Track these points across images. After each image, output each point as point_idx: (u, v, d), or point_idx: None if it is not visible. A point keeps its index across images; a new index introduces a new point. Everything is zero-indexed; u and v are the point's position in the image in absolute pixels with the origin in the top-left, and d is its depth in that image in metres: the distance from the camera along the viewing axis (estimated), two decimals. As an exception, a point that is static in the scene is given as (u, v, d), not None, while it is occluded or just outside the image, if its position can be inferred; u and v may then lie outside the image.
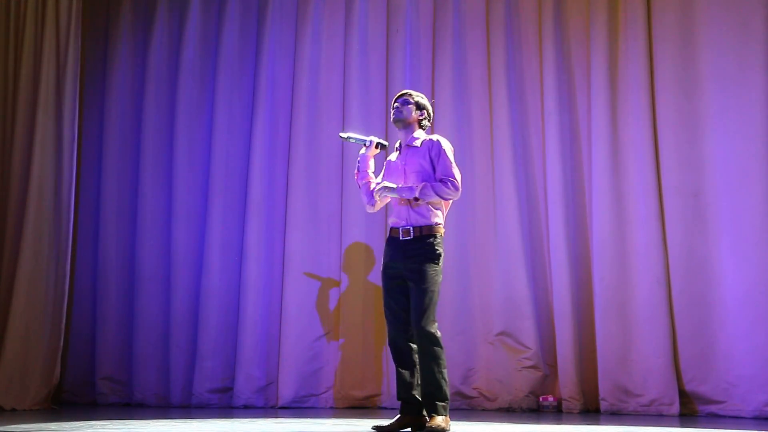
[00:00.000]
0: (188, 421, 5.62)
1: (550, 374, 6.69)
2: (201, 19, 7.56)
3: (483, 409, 6.54)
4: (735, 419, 5.94)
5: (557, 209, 6.69)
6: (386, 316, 4.82)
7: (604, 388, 6.41)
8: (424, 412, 4.70)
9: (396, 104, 4.95)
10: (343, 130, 7.14)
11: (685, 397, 6.29)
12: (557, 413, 6.47)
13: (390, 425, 4.73)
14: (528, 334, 6.69)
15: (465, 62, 7.12)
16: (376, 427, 4.71)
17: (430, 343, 4.61)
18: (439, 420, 4.55)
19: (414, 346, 4.74)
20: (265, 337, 7.10)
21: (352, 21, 7.31)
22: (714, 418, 6.03)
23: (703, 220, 6.37)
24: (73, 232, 7.09)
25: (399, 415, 4.76)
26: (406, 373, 4.74)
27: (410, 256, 4.71)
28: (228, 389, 7.08)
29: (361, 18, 7.31)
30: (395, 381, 4.81)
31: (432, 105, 5.11)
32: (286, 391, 6.92)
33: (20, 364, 6.66)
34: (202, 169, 7.40)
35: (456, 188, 4.73)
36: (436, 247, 4.73)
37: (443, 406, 4.59)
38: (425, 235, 4.73)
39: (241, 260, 7.19)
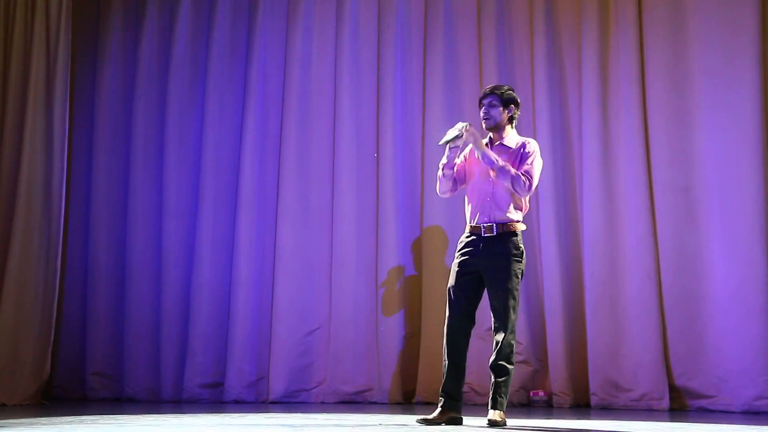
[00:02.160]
0: (179, 416, 5.61)
1: (541, 369, 6.70)
2: (192, 13, 7.54)
3: (474, 404, 6.55)
4: (724, 414, 5.96)
5: (548, 204, 6.70)
6: (451, 310, 4.80)
7: (595, 383, 6.43)
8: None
9: (483, 108, 4.89)
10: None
11: (675, 391, 6.31)
12: (548, 408, 6.49)
13: (434, 418, 4.73)
14: (519, 329, 6.61)
15: (456, 57, 7.12)
16: (421, 420, 4.73)
17: (508, 355, 4.69)
18: (502, 414, 4.67)
19: (468, 343, 4.82)
20: (256, 332, 7.10)
21: (343, 16, 7.31)
22: (704, 413, 6.05)
23: (694, 214, 6.39)
24: (63, 227, 7.07)
25: (440, 409, 4.76)
26: (457, 370, 4.78)
27: (494, 253, 4.74)
28: (219, 384, 7.07)
29: (352, 13, 7.30)
30: (445, 374, 4.78)
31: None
32: (276, 386, 6.93)
33: (10, 359, 6.64)
34: (193, 164, 7.39)
35: (528, 187, 4.75)
36: (520, 245, 4.78)
37: (506, 401, 4.72)
38: (508, 232, 4.76)
39: (232, 255, 7.19)
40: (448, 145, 4.82)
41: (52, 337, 6.92)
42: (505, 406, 4.72)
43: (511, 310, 4.71)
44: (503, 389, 4.71)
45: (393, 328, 6.94)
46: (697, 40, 6.47)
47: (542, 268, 6.72)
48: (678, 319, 6.37)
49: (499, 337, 4.71)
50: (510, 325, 4.71)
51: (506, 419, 4.71)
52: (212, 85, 7.39)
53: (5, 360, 6.62)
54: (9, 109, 6.97)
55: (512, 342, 4.73)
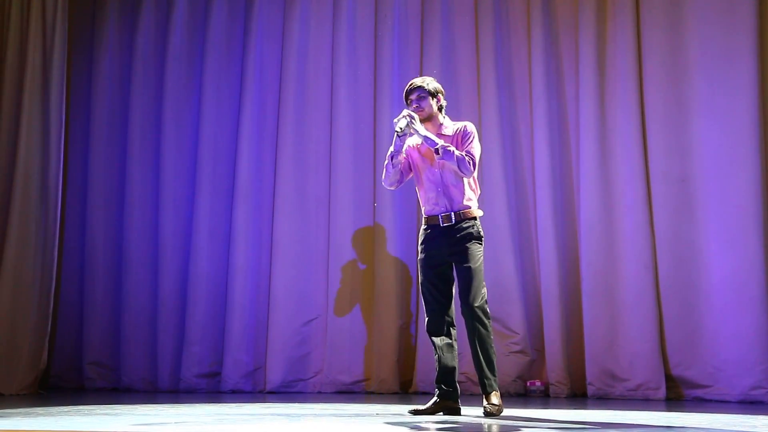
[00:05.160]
0: (176, 405, 5.61)
1: (538, 359, 6.72)
2: (188, 3, 7.52)
3: (470, 394, 6.56)
4: (721, 403, 5.98)
5: (545, 195, 6.71)
6: (427, 304, 4.86)
7: (591, 373, 6.45)
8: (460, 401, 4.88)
9: (413, 103, 4.89)
10: (330, 120, 7.17)
11: (671, 381, 6.33)
12: (544, 398, 6.51)
13: (427, 408, 4.78)
14: (516, 319, 6.72)
15: (453, 48, 7.11)
16: (413, 411, 4.78)
17: (481, 319, 4.69)
18: (494, 399, 4.69)
19: (454, 332, 4.85)
20: (253, 322, 7.10)
21: (340, 5, 7.30)
22: (700, 402, 6.06)
23: (690, 205, 6.40)
24: (60, 217, 7.07)
25: (436, 399, 4.82)
26: (448, 360, 4.81)
27: (455, 241, 4.78)
28: (216, 374, 7.08)
29: (349, 2, 7.29)
30: (437, 366, 4.83)
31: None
32: (274, 376, 6.94)
33: (7, 349, 6.64)
34: (190, 154, 7.38)
35: (472, 167, 4.77)
36: (479, 229, 4.82)
37: (496, 379, 4.74)
38: (466, 218, 4.80)
39: (229, 245, 7.18)
40: (397, 134, 4.83)
41: (49, 327, 6.93)
42: (496, 384, 4.73)
43: (480, 284, 4.71)
44: (487, 364, 4.70)
45: (390, 317, 6.94)
46: (694, 32, 6.47)
47: (539, 258, 6.73)
48: (674, 309, 6.38)
49: (469, 308, 4.69)
50: (480, 297, 4.70)
51: (502, 402, 4.74)
52: (209, 76, 7.38)
53: (2, 350, 6.62)
54: (5, 98, 6.95)
55: (485, 308, 4.71)
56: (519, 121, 6.97)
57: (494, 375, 4.74)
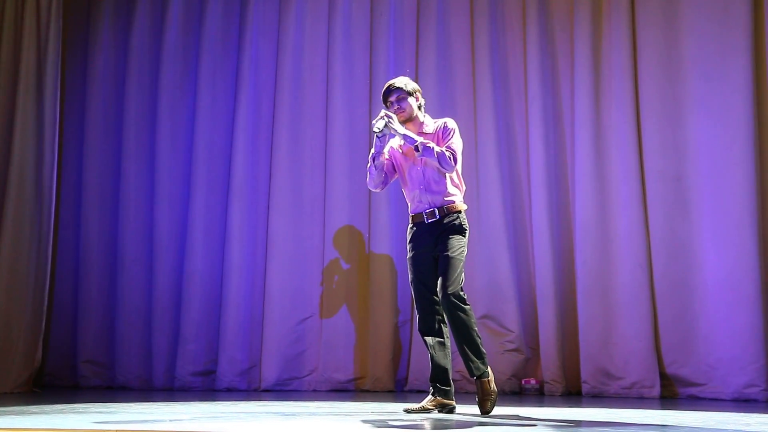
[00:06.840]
0: (171, 403, 5.61)
1: (533, 357, 6.73)
2: (183, 1, 7.51)
3: (465, 392, 6.56)
4: (715, 401, 5.99)
5: (540, 193, 6.71)
6: (418, 303, 4.86)
7: (586, 371, 6.46)
8: (454, 398, 4.86)
9: (393, 105, 4.89)
10: (325, 118, 7.16)
11: (665, 379, 6.35)
12: (539, 396, 6.52)
13: (422, 406, 4.78)
14: (511, 317, 6.73)
15: (449, 46, 7.11)
16: (407, 409, 4.78)
17: (458, 305, 4.66)
18: (487, 384, 4.69)
19: (446, 330, 4.85)
20: (248, 320, 7.10)
21: (335, 3, 7.30)
22: (694, 401, 6.08)
23: (685, 203, 6.42)
24: (55, 215, 7.06)
25: (431, 398, 4.82)
26: (441, 358, 4.81)
27: (439, 234, 4.79)
28: (211, 372, 7.08)
29: (345, 1, 7.28)
30: (432, 364, 4.82)
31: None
32: (269, 374, 6.94)
33: (2, 347, 6.63)
34: (185, 152, 7.38)
35: (453, 162, 4.76)
36: (463, 222, 4.82)
37: (483, 362, 4.71)
38: (450, 212, 4.81)
39: (224, 243, 7.18)
40: (376, 135, 4.83)
41: (44, 325, 6.93)
42: (484, 366, 4.69)
43: (456, 273, 4.69)
44: (469, 348, 4.67)
45: (385, 316, 6.94)
46: (689, 31, 6.48)
47: (534, 257, 6.74)
48: (669, 307, 6.39)
49: (444, 296, 4.66)
50: (455, 285, 4.67)
51: (496, 388, 4.74)
52: (204, 74, 7.37)
53: (-4, 348, 6.62)
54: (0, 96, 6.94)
55: (460, 294, 4.68)
56: (514, 118, 6.98)
57: (480, 359, 4.70)
